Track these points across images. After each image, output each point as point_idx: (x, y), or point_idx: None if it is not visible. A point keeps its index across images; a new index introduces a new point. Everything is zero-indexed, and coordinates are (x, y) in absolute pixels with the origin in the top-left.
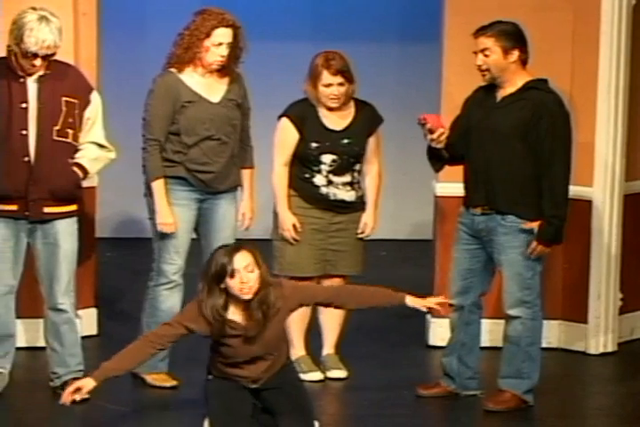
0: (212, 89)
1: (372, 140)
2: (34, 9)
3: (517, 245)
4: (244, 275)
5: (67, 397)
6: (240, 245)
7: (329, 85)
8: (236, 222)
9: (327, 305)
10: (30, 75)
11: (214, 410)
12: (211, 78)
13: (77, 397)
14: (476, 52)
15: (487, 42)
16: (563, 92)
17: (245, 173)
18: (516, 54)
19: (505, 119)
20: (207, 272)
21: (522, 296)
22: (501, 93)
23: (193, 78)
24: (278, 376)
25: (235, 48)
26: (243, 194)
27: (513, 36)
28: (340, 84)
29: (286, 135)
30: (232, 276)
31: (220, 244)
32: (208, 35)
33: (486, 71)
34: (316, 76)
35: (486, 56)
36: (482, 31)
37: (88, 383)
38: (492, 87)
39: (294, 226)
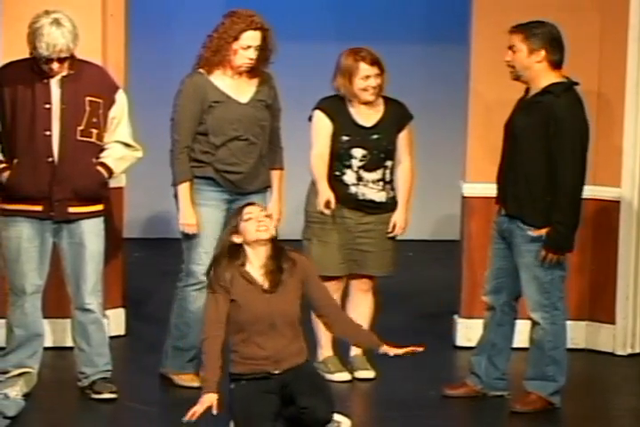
0: (241, 90)
1: (401, 137)
2: (47, 13)
3: (534, 249)
4: (260, 216)
5: (193, 415)
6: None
7: (367, 77)
8: None
9: (317, 312)
10: (52, 76)
11: (238, 415)
12: (240, 79)
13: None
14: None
15: (515, 39)
16: (590, 93)
17: (274, 175)
18: (541, 55)
19: (520, 123)
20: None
21: (540, 300)
22: (529, 95)
23: (222, 79)
24: (298, 371)
25: (264, 50)
26: (271, 195)
27: (542, 37)
28: (378, 75)
29: (320, 126)
30: (247, 220)
31: None
32: (236, 38)
33: (512, 68)
34: (353, 70)
35: (513, 53)
36: (515, 28)
37: (212, 398)
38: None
39: (328, 202)
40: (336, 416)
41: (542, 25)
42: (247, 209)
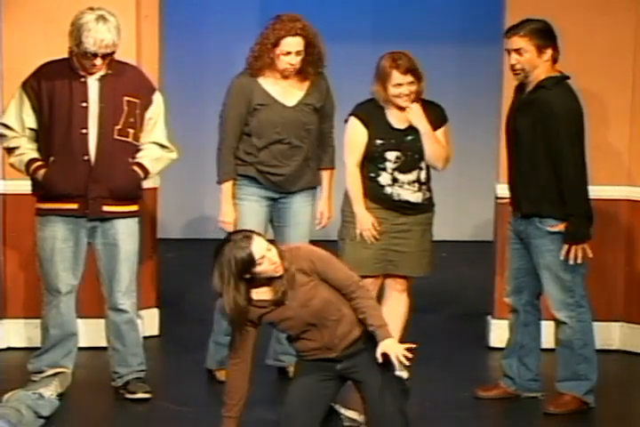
0: (289, 93)
1: None
2: (91, 9)
3: (554, 249)
4: (271, 256)
5: None
6: (246, 234)
7: (399, 85)
8: (311, 220)
9: (341, 291)
10: (92, 74)
11: (291, 396)
12: (289, 82)
13: None
14: (508, 52)
15: (520, 41)
16: (624, 93)
17: (324, 174)
18: (549, 53)
19: (520, 121)
20: (223, 272)
21: (564, 299)
22: (525, 93)
23: (270, 82)
24: (361, 365)
25: (310, 54)
26: (321, 193)
27: (545, 35)
28: (411, 83)
29: (355, 133)
30: (260, 263)
31: (294, 241)
32: (276, 44)
33: (520, 71)
34: (386, 77)
35: (520, 55)
36: (514, 31)
37: None
38: (523, 86)
39: (373, 225)
40: (353, 414)
41: (538, 22)
42: (257, 251)
